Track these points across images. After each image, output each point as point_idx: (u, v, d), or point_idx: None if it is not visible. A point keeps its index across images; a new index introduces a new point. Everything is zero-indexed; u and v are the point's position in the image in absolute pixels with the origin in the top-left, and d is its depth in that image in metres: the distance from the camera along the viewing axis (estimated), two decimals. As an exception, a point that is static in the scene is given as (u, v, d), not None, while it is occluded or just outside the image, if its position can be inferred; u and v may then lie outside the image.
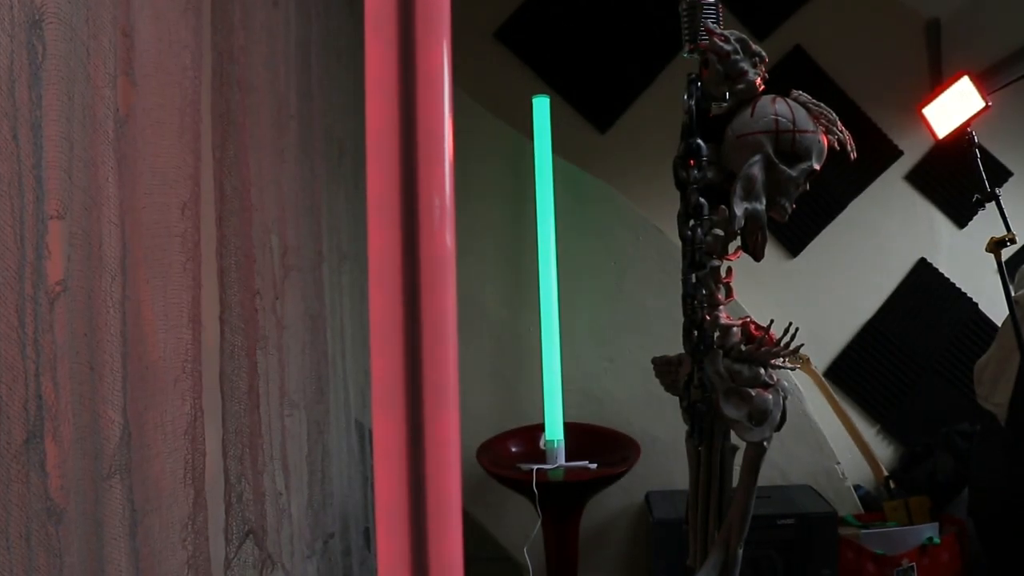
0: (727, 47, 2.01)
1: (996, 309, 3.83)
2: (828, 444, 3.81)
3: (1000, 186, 2.83)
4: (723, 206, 2.01)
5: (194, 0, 1.57)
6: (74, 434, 1.10)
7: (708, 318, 2.02)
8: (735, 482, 2.07)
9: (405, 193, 0.73)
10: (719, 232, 2.03)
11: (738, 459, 2.07)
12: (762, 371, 1.99)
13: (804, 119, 2.00)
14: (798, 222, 4.01)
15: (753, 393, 1.97)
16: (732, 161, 2.02)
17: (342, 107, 2.83)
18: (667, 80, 4.00)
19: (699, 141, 2.02)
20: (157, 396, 1.38)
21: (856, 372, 4.09)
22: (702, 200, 2.01)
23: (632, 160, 3.98)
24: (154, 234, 1.38)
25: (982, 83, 3.79)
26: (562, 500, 3.44)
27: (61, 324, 1.08)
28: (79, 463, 1.12)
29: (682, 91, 2.06)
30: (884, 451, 4.06)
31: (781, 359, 1.99)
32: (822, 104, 2.05)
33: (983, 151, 2.88)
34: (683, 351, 2.10)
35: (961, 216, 4.11)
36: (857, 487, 3.87)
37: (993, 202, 2.78)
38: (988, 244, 2.74)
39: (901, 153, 4.13)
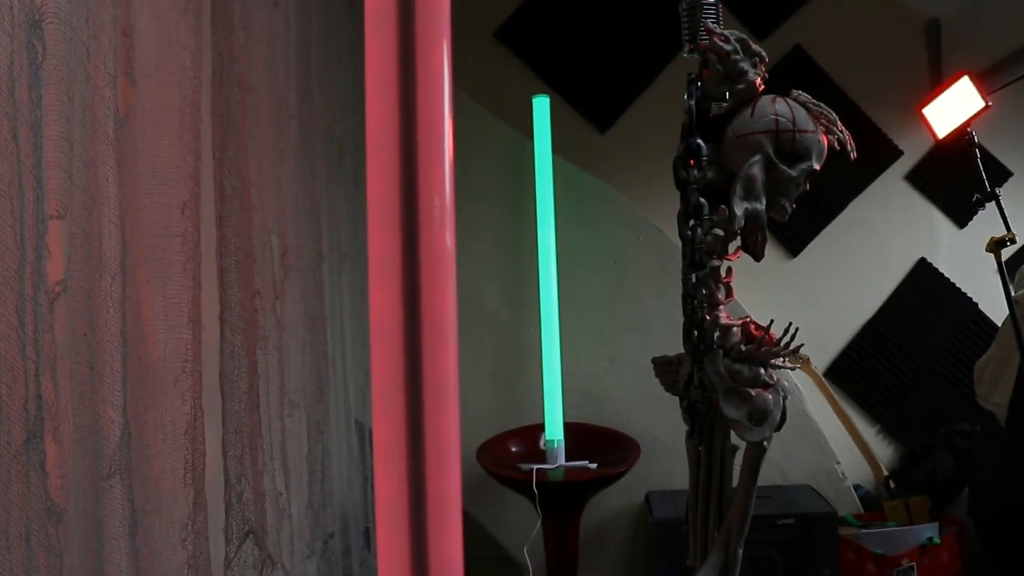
0: (727, 47, 2.01)
1: (996, 309, 3.83)
2: (828, 444, 3.81)
3: (1000, 186, 2.83)
4: (723, 206, 2.01)
5: (194, 0, 1.57)
6: (74, 434, 1.10)
7: (708, 318, 2.02)
8: (735, 482, 2.07)
9: (405, 193, 0.73)
10: (719, 232, 2.03)
11: (738, 459, 2.07)
12: (762, 371, 1.99)
13: (804, 119, 2.00)
14: (798, 222, 4.01)
15: (753, 393, 1.97)
16: (732, 161, 2.02)
17: (342, 107, 2.83)
18: (667, 80, 4.00)
19: (699, 141, 2.02)
20: (157, 396, 1.38)
21: (856, 372, 4.09)
22: (702, 200, 2.01)
23: (632, 160, 3.98)
24: (154, 234, 1.38)
25: (982, 83, 3.79)
26: (562, 500, 3.44)
27: (61, 324, 1.08)
28: (79, 463, 1.12)
29: (682, 91, 2.06)
30: (884, 451, 4.06)
31: (781, 359, 1.99)
32: (822, 104, 2.05)
33: (983, 151, 2.88)
34: (683, 351, 2.10)
35: (961, 216, 4.11)
36: (857, 487, 3.87)
37: (993, 202, 2.78)
38: (988, 244, 2.74)
39: (901, 153, 4.13)
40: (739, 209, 1.97)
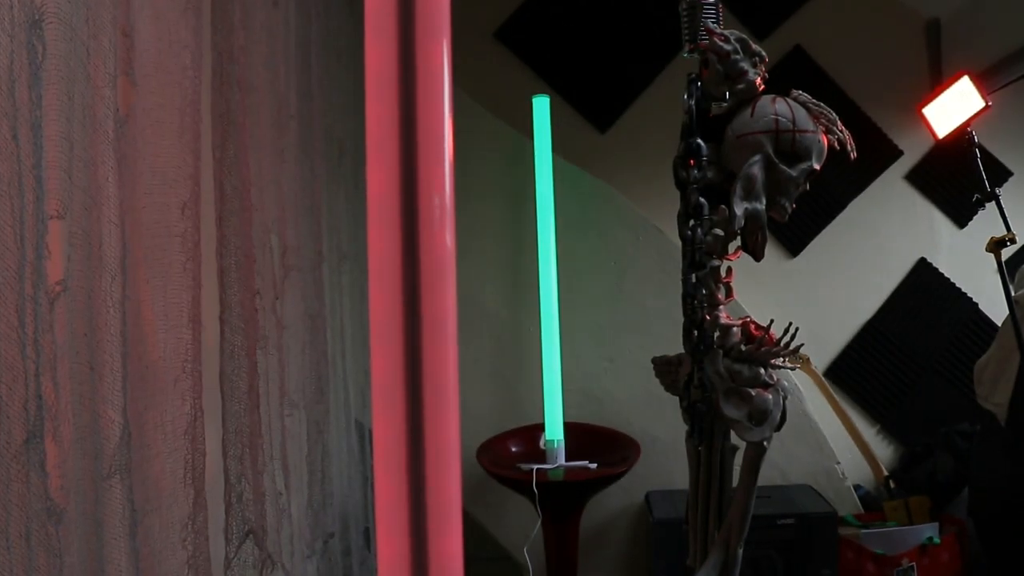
0: (727, 47, 2.01)
1: (996, 309, 3.83)
2: (828, 444, 3.81)
3: (1000, 186, 2.83)
4: (723, 206, 2.01)
5: (194, 0, 1.57)
6: (74, 434, 1.10)
7: (708, 318, 2.02)
8: (735, 482, 2.07)
9: (405, 193, 0.73)
10: (719, 232, 2.03)
11: (738, 459, 2.07)
12: (762, 371, 1.99)
13: (804, 119, 2.00)
14: (798, 222, 4.00)
15: (753, 393, 1.97)
16: (732, 161, 2.02)
17: (342, 107, 2.83)
18: (667, 80, 4.00)
19: (699, 141, 2.02)
20: (157, 396, 1.38)
21: (856, 372, 4.09)
22: (702, 200, 2.01)
23: (632, 160, 3.98)
24: (154, 234, 1.38)
25: (982, 83, 3.79)
26: (562, 500, 3.44)
27: (61, 324, 1.08)
28: (79, 463, 1.12)
29: (682, 91, 2.06)
30: (884, 451, 4.06)
31: (781, 359, 1.99)
32: (822, 104, 2.05)
33: (983, 151, 2.88)
34: (683, 351, 2.10)
35: (961, 216, 4.11)
36: (857, 487, 3.87)
37: (993, 202, 2.78)
38: (988, 244, 2.74)
39: (901, 153, 4.13)
40: (739, 209, 1.97)
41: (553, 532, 3.41)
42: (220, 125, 1.73)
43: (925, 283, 4.12)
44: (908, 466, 3.94)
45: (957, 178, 4.04)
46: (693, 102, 2.04)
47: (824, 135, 2.01)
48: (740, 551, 2.03)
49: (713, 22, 2.08)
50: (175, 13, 1.50)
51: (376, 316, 0.74)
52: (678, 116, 2.05)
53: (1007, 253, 2.76)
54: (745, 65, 2.01)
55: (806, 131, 1.99)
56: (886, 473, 3.85)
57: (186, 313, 1.48)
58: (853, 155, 2.04)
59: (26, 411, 1.00)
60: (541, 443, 3.55)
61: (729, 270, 2.07)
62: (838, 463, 3.83)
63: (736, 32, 2.05)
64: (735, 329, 2.02)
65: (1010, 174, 4.07)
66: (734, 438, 2.07)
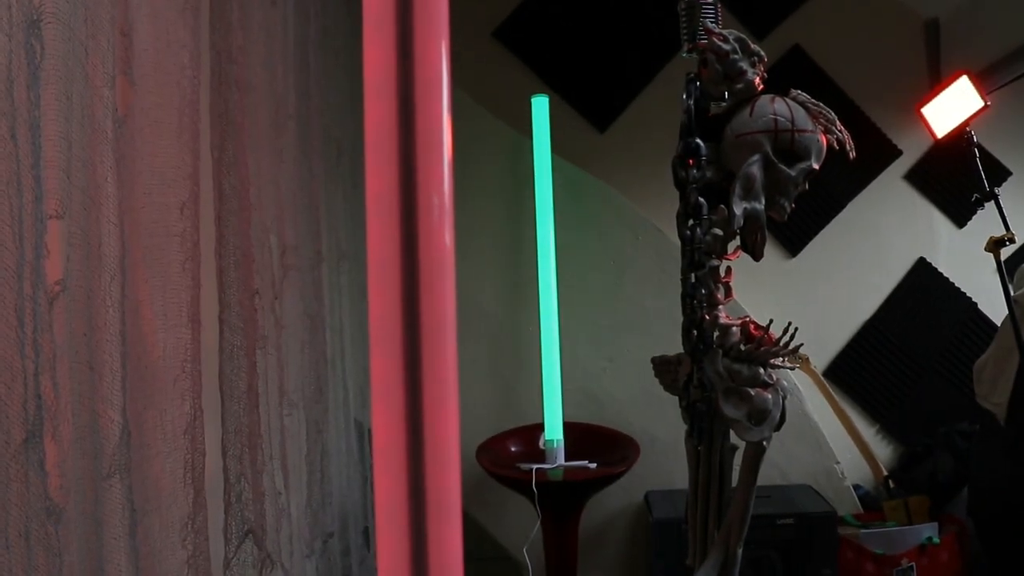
0: (726, 46, 2.01)
1: (995, 309, 3.83)
2: (828, 444, 3.81)
3: (999, 185, 2.83)
4: (722, 205, 2.01)
5: (192, 0, 1.57)
6: (73, 434, 1.10)
7: (707, 317, 2.02)
8: (735, 482, 2.07)
9: (404, 192, 0.73)
10: (718, 232, 2.03)
11: (737, 458, 2.07)
12: (761, 371, 1.99)
13: (803, 118, 2.00)
14: (797, 222, 4.00)
15: (752, 393, 1.97)
16: (731, 160, 2.02)
17: (340, 106, 2.83)
18: (666, 79, 4.00)
19: (698, 140, 2.02)
20: (156, 396, 1.38)
21: (855, 372, 4.09)
22: (701, 200, 2.01)
23: (631, 160, 3.98)
24: (153, 234, 1.38)
25: (981, 82, 3.80)
26: (562, 500, 3.44)
27: (60, 324, 1.08)
28: (78, 463, 1.12)
29: (681, 90, 2.06)
30: (884, 451, 4.06)
31: (780, 358, 1.99)
32: (821, 103, 2.05)
33: (982, 150, 2.88)
34: (682, 350, 2.10)
35: (960, 216, 4.11)
36: (857, 487, 3.87)
37: (992, 201, 2.78)
38: (987, 243, 2.74)
39: (900, 152, 4.13)
40: (738, 209, 1.97)
41: (553, 532, 3.41)
42: (219, 125, 1.73)
43: (924, 283, 4.12)
44: (907, 466, 3.95)
45: (956, 178, 4.04)
46: (692, 102, 2.04)
47: (823, 135, 2.01)
48: (740, 551, 2.04)
49: (712, 22, 2.08)
50: (173, 13, 1.50)
51: (375, 316, 0.74)
52: (677, 116, 2.05)
53: (1006, 253, 2.76)
54: (744, 65, 2.01)
55: (805, 131, 1.99)
56: (885, 473, 3.85)
57: (185, 313, 1.48)
58: (852, 155, 2.04)
59: (25, 411, 1.00)
60: (541, 443, 3.55)
61: (728, 270, 2.07)
62: (838, 463, 3.83)
63: (735, 32, 2.05)
64: (734, 329, 2.02)
65: (1009, 174, 4.07)
66: (734, 438, 2.07)
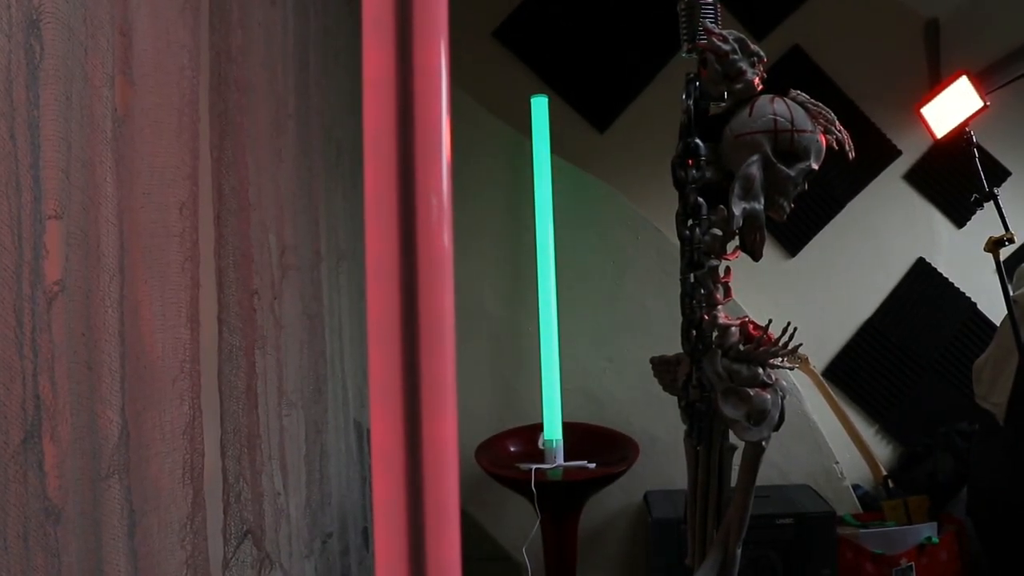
0: (725, 47, 2.00)
1: (995, 308, 3.83)
2: (827, 444, 3.81)
3: (999, 185, 2.83)
4: (721, 206, 2.01)
5: (192, 0, 1.57)
6: (72, 434, 1.10)
7: (706, 317, 2.02)
8: (734, 482, 2.07)
9: (403, 192, 0.73)
10: (717, 232, 2.03)
11: (737, 458, 2.07)
12: (761, 371, 1.99)
13: (803, 119, 2.00)
14: (796, 222, 4.00)
15: (752, 393, 1.97)
16: (731, 160, 2.02)
17: (340, 106, 2.82)
18: (666, 79, 4.00)
19: (697, 140, 2.02)
20: (155, 396, 1.38)
21: (855, 372, 4.09)
22: (700, 200, 2.01)
23: (631, 159, 3.98)
24: (152, 234, 1.38)
25: (980, 83, 3.80)
26: (561, 500, 3.44)
27: (59, 324, 1.08)
28: (77, 463, 1.12)
29: (681, 91, 2.06)
30: (883, 451, 4.06)
31: (780, 359, 1.99)
32: (820, 104, 2.05)
33: (981, 150, 2.88)
34: (682, 350, 2.09)
35: (960, 216, 4.11)
36: (856, 487, 3.87)
37: (992, 201, 2.78)
38: (987, 243, 2.74)
39: (900, 153, 4.13)
40: (737, 209, 1.97)
41: (552, 532, 3.41)
42: (218, 125, 1.73)
43: (924, 283, 4.12)
44: (907, 466, 3.95)
45: (956, 178, 4.04)
46: (691, 102, 2.03)
47: (823, 135, 2.01)
48: (739, 551, 2.03)
49: (711, 22, 2.08)
50: (173, 12, 1.49)
51: (374, 316, 0.74)
52: (677, 116, 2.05)
53: (1005, 253, 2.77)
54: (743, 65, 2.01)
55: (804, 131, 1.99)
56: (885, 473, 3.85)
57: (184, 313, 1.48)
58: (852, 155, 2.04)
59: (24, 411, 1.00)
60: (540, 443, 3.55)
61: (727, 270, 2.07)
62: (837, 463, 3.83)
63: (734, 32, 2.05)
64: (733, 329, 2.02)
65: (1009, 174, 4.07)
66: (733, 438, 2.07)
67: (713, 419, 2.04)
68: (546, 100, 3.73)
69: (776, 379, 2.02)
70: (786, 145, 1.98)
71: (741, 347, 2.00)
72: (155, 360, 1.38)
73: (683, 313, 2.05)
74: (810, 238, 4.11)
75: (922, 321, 4.11)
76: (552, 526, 3.40)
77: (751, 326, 2.03)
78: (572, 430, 3.59)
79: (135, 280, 1.31)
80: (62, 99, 1.09)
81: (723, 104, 2.04)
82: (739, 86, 2.01)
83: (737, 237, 2.04)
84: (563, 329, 3.66)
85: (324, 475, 2.45)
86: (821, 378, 3.91)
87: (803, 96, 2.05)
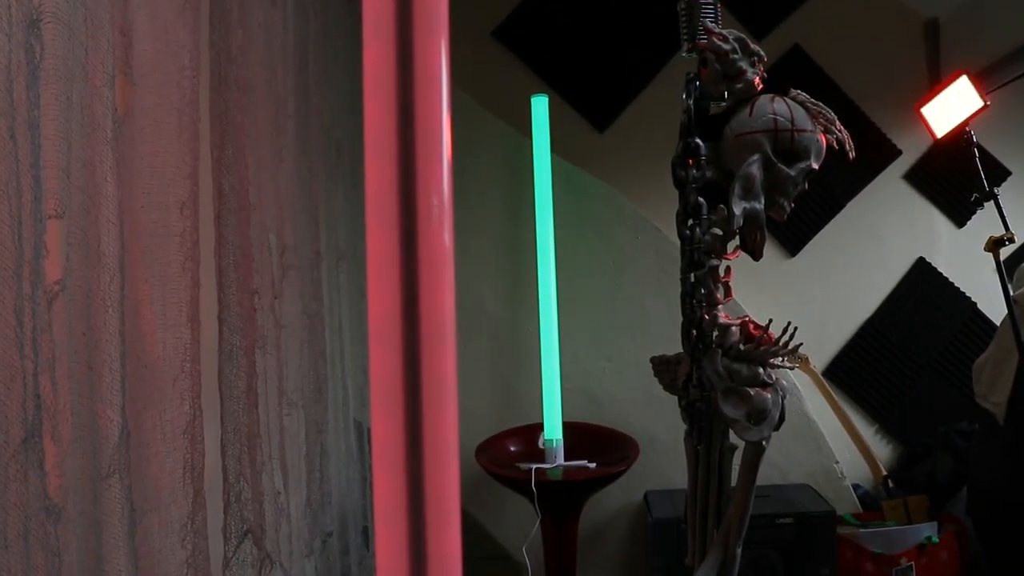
0: (725, 46, 2.01)
1: (995, 308, 3.83)
2: (827, 443, 3.81)
3: (999, 185, 2.83)
4: (722, 205, 2.01)
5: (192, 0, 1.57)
6: (72, 434, 1.10)
7: (707, 317, 2.02)
8: (734, 481, 2.07)
9: (403, 192, 0.73)
10: (718, 231, 2.03)
11: (737, 458, 2.07)
12: (761, 370, 1.99)
13: (803, 118, 2.00)
14: (797, 221, 4.01)
15: (752, 392, 1.97)
16: (731, 160, 2.02)
17: (340, 106, 2.82)
18: (666, 79, 4.00)
19: (698, 140, 2.02)
20: (156, 395, 1.38)
21: (855, 371, 4.10)
22: (701, 199, 2.01)
23: (631, 159, 3.98)
24: (152, 233, 1.38)
25: (980, 82, 3.80)
26: (561, 499, 3.44)
27: (59, 323, 1.08)
28: (78, 462, 1.12)
29: (681, 90, 2.06)
30: (883, 450, 4.06)
31: (780, 358, 1.99)
32: (821, 103, 2.05)
33: (981, 150, 2.88)
34: (682, 350, 2.10)
35: (960, 215, 4.11)
36: (856, 486, 3.87)
37: (992, 201, 2.78)
38: (987, 243, 2.74)
39: (900, 152, 4.13)
40: (738, 208, 1.97)
41: (552, 531, 3.41)
42: (218, 125, 1.73)
43: (924, 283, 4.13)
44: (907, 465, 3.95)
45: (956, 177, 4.04)
46: (692, 101, 2.03)
47: (823, 134, 2.01)
48: (739, 550, 2.03)
49: (712, 21, 2.08)
50: (173, 12, 1.49)
51: (375, 315, 0.74)
52: (677, 115, 2.05)
53: (1006, 252, 2.76)
54: (743, 64, 2.01)
55: (805, 130, 1.99)
56: (885, 472, 3.85)
57: (184, 312, 1.48)
58: (852, 154, 2.04)
59: (24, 411, 1.00)
60: (540, 442, 3.55)
61: (728, 269, 2.07)
62: (837, 462, 3.83)
63: (735, 31, 2.05)
64: (734, 328, 2.02)
65: (1009, 173, 4.07)
66: (733, 437, 2.07)
67: (713, 419, 2.04)
68: (546, 100, 3.73)
69: (776, 379, 2.02)
70: (786, 145, 1.98)
71: (741, 347, 2.00)
72: (155, 360, 1.38)
73: (683, 313, 2.05)
74: (810, 238, 4.11)
75: (922, 321, 4.11)
76: (552, 526, 3.40)
77: (751, 326, 2.04)
78: (572, 430, 3.59)
79: (135, 280, 1.31)
80: (62, 99, 1.09)
81: (723, 104, 2.04)
82: (739, 86, 2.01)
83: (737, 237, 2.04)
84: (563, 329, 3.66)
85: (324, 474, 2.45)
86: (821, 378, 3.91)
87: (803, 96, 2.05)
